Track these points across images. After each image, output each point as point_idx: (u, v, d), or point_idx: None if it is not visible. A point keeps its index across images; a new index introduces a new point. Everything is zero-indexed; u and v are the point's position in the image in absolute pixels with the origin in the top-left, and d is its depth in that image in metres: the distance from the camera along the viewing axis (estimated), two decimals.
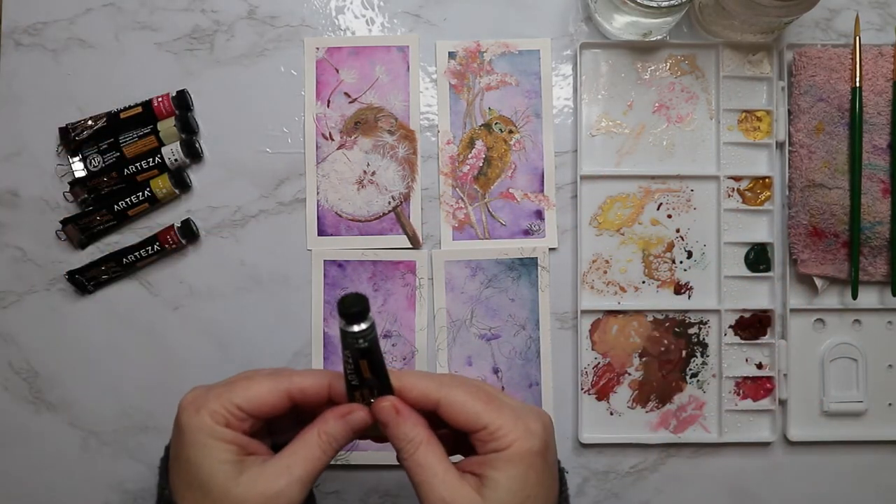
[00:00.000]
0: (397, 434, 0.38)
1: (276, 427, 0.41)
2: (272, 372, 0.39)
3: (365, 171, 0.55)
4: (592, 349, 0.54)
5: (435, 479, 0.37)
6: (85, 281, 0.54)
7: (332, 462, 0.54)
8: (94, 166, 0.54)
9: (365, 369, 0.38)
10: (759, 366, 0.54)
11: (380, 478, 0.54)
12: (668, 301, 0.54)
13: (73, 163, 0.54)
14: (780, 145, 0.55)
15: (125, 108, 0.54)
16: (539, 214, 0.55)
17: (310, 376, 0.39)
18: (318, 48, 0.55)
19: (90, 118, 0.53)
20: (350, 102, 0.55)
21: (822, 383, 0.54)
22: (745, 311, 0.54)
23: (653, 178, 0.55)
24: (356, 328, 0.36)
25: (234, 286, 0.55)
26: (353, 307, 0.36)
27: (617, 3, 0.49)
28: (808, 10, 0.48)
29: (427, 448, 0.37)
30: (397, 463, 0.53)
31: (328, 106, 0.55)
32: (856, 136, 0.52)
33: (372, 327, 0.37)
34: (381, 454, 0.53)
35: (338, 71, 0.55)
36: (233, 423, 0.37)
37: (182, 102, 0.54)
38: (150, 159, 0.54)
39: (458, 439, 0.40)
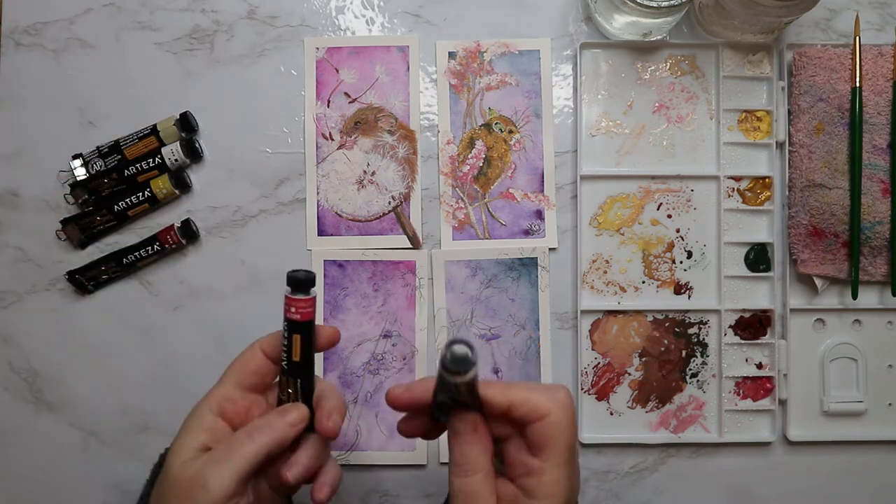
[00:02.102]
0: (463, 452, 0.37)
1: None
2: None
3: (365, 171, 0.55)
4: (592, 349, 0.54)
5: None
6: (85, 281, 0.54)
7: None
8: (97, 169, 0.54)
9: (462, 396, 0.36)
10: (759, 366, 0.54)
11: (380, 478, 0.54)
12: (668, 301, 0.54)
13: (75, 168, 0.54)
14: (780, 145, 0.55)
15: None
16: (539, 214, 0.55)
17: (271, 336, 0.42)
18: (318, 48, 0.55)
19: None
20: (350, 102, 0.55)
21: (822, 383, 0.54)
22: (745, 311, 0.54)
23: (653, 178, 0.55)
24: (460, 379, 0.33)
25: (234, 286, 0.55)
26: (460, 365, 0.33)
27: (617, 3, 0.49)
28: (808, 10, 0.48)
29: (484, 481, 0.36)
30: (397, 463, 0.54)
31: (328, 106, 0.55)
32: (856, 136, 0.52)
33: (475, 378, 0.34)
34: (382, 454, 0.53)
35: (338, 71, 0.55)
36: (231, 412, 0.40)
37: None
38: (151, 160, 0.54)
39: None
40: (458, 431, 0.37)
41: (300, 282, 0.38)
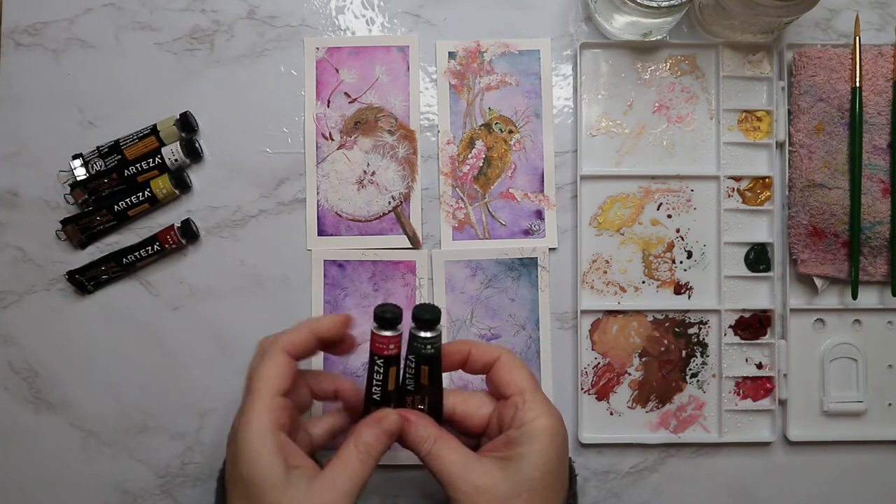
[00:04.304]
0: (413, 438, 0.41)
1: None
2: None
3: (365, 171, 0.55)
4: (592, 349, 0.54)
5: (454, 466, 0.40)
6: (85, 281, 0.54)
7: None
8: (97, 169, 0.54)
9: (424, 376, 0.42)
10: (759, 366, 0.54)
11: (379, 478, 0.54)
12: (668, 301, 0.54)
13: (75, 168, 0.54)
14: (780, 145, 0.55)
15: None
16: (539, 214, 0.55)
17: (326, 318, 0.44)
18: (318, 48, 0.55)
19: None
20: (350, 102, 0.55)
21: (822, 383, 0.54)
22: (745, 311, 0.54)
23: (653, 178, 0.55)
24: (426, 334, 0.41)
25: (234, 286, 0.55)
26: (426, 313, 0.40)
27: (617, 3, 0.49)
28: (808, 10, 0.48)
29: (441, 441, 0.41)
30: (397, 463, 0.54)
31: (328, 106, 0.55)
32: (856, 136, 0.52)
33: (440, 336, 0.41)
34: None
35: (338, 71, 0.55)
36: (282, 384, 0.40)
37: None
38: (151, 160, 0.54)
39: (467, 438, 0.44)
40: (400, 430, 0.41)
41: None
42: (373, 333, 0.41)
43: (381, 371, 0.41)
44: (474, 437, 0.45)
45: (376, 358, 0.41)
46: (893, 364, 0.55)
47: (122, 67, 0.55)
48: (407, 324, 0.42)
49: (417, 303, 0.40)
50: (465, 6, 0.56)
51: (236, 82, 0.55)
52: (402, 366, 0.42)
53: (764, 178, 0.54)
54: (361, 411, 0.44)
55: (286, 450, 0.39)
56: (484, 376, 0.45)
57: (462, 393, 0.45)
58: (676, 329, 0.54)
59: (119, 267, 0.54)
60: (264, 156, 0.55)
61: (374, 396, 0.42)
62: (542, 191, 0.55)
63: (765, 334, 0.54)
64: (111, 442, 0.54)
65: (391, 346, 0.41)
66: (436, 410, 0.44)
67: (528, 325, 0.54)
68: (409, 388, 0.42)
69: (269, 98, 0.55)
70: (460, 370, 0.45)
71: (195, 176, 0.55)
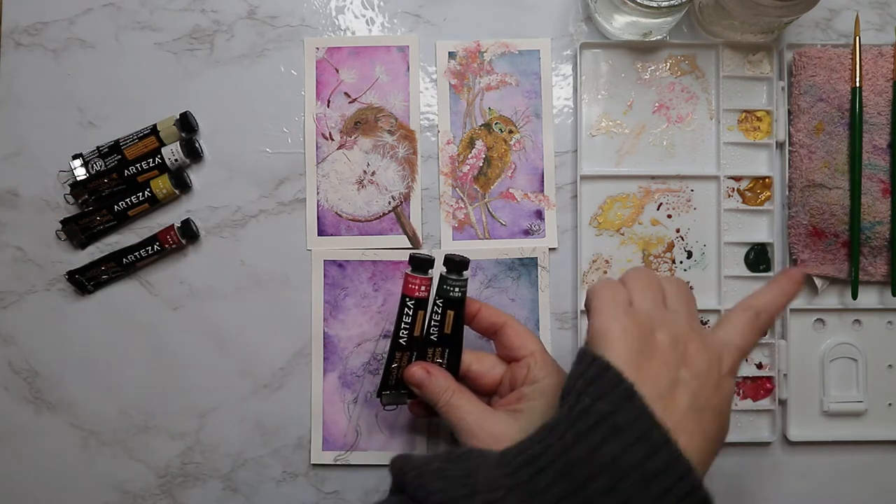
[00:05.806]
0: (432, 389, 0.44)
1: None
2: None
3: (365, 171, 0.55)
4: None
5: (470, 416, 0.43)
6: (85, 281, 0.54)
7: (333, 462, 0.54)
8: (97, 169, 0.54)
9: (448, 324, 0.45)
10: (759, 366, 0.54)
11: (380, 478, 0.54)
12: None
13: (75, 168, 0.54)
14: (780, 145, 0.55)
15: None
16: (539, 214, 0.55)
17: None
18: (318, 48, 0.55)
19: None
20: (350, 102, 0.55)
21: (822, 383, 0.54)
22: None
23: (653, 178, 0.55)
24: (455, 275, 0.44)
25: (234, 286, 0.55)
26: (457, 257, 0.44)
27: (617, 3, 0.49)
28: (808, 10, 0.48)
29: (459, 393, 0.44)
30: None
31: (328, 106, 0.55)
32: (856, 136, 0.52)
33: (467, 283, 0.45)
34: (382, 454, 0.53)
35: (338, 71, 0.55)
36: None
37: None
38: (151, 160, 0.54)
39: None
40: (419, 383, 0.45)
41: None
42: (406, 276, 0.45)
43: (411, 314, 0.45)
44: (485, 396, 0.47)
45: (407, 300, 0.45)
46: (893, 364, 0.55)
47: (122, 67, 0.55)
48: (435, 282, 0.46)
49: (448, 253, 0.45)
50: (465, 6, 0.56)
51: (236, 82, 0.55)
52: (428, 312, 0.45)
53: (764, 178, 0.54)
54: (387, 357, 0.46)
55: None
56: (493, 342, 0.48)
57: (477, 353, 0.47)
58: None
59: (119, 267, 0.54)
60: (264, 156, 0.55)
61: (401, 341, 0.45)
62: (542, 191, 0.55)
63: (765, 334, 0.54)
64: (111, 442, 0.54)
65: (422, 288, 0.45)
66: (453, 366, 0.46)
67: (528, 325, 0.54)
68: (432, 337, 0.45)
69: (269, 98, 0.55)
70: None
71: (195, 176, 0.55)
